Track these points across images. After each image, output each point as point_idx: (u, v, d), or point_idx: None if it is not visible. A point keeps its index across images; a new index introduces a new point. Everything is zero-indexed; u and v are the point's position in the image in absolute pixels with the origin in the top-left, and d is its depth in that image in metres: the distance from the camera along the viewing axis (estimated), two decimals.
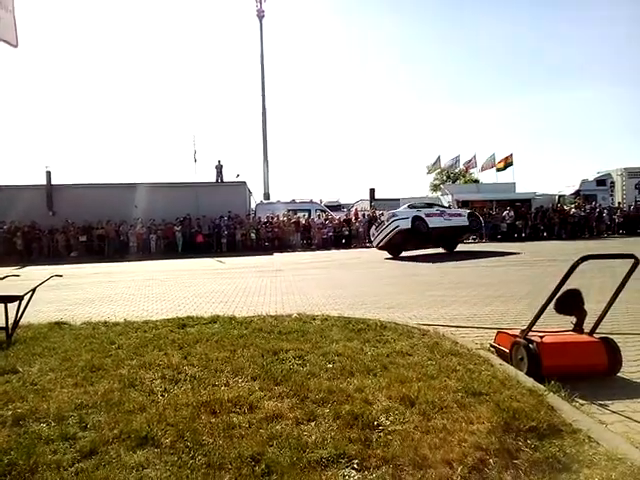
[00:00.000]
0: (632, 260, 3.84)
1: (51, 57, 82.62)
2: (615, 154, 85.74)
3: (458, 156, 35.51)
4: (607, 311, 4.10)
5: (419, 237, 17.25)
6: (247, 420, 3.01)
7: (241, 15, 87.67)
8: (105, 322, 6.31)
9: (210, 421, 3.01)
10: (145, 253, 23.49)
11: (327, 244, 24.64)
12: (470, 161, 34.69)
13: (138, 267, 17.56)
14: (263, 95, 39.18)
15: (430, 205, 19.72)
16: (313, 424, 2.95)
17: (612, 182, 28.80)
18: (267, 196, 36.33)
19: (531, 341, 3.95)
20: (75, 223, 24.30)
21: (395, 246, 17.73)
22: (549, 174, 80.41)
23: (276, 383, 3.63)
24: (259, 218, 26.05)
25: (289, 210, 26.95)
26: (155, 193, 24.85)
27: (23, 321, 5.63)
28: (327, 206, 30.61)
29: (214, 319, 6.10)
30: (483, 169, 34.32)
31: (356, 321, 5.78)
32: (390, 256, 17.84)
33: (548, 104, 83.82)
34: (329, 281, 11.43)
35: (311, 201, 29.22)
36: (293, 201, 29.08)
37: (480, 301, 7.91)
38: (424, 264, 14.96)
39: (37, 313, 7.10)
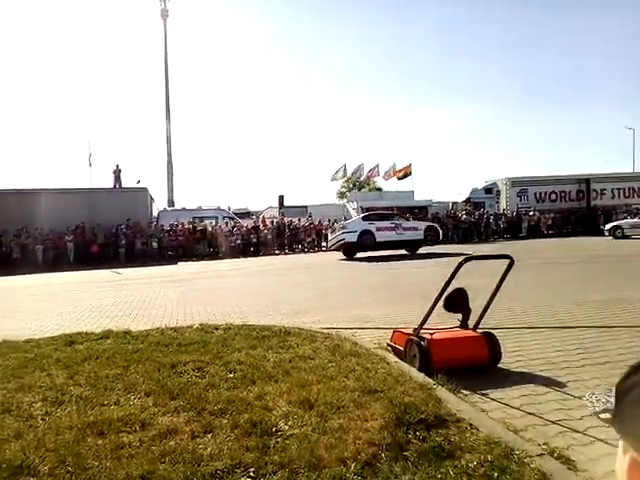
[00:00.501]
0: (508, 260, 4.25)
1: None
2: (501, 165, 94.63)
3: (362, 164, 36.91)
4: (488, 307, 4.49)
5: (365, 249, 18.13)
6: (138, 438, 2.85)
7: (144, 15, 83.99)
8: None
9: (97, 443, 2.81)
10: (31, 265, 21.39)
11: (235, 252, 24.25)
12: (373, 170, 36.19)
13: (21, 281, 15.94)
14: (167, 97, 37.56)
15: (386, 217, 19.85)
16: (210, 436, 2.87)
17: (498, 190, 31.58)
18: (171, 203, 34.85)
19: (422, 338, 4.20)
20: None
21: (345, 251, 18.75)
22: (445, 182, 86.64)
23: (172, 397, 3.48)
24: (162, 226, 24.94)
25: (194, 217, 26.11)
26: (44, 200, 22.76)
27: None
28: (236, 213, 30.13)
29: (106, 334, 5.71)
30: (385, 178, 36.05)
31: (260, 328, 5.74)
32: (344, 257, 18.64)
33: (449, 115, 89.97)
34: (236, 289, 11.26)
35: (218, 208, 28.56)
36: (199, 208, 28.21)
37: (382, 302, 8.26)
38: (345, 267, 15.32)
39: None
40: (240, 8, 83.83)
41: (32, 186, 24.60)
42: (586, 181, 30.19)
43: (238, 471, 2.44)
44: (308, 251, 25.48)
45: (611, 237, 22.31)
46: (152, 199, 28.23)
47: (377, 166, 35.87)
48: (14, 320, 8.04)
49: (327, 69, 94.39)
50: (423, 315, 4.39)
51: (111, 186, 25.78)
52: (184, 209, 28.00)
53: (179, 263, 20.42)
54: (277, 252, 25.35)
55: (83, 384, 3.84)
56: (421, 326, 4.30)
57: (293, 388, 3.52)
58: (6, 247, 22.09)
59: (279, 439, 2.77)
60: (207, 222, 25.97)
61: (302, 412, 3.11)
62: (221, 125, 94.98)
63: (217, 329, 5.80)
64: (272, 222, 26.65)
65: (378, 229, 18.28)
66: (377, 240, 18.05)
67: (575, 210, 29.27)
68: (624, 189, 30.63)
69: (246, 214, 33.56)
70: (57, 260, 22.08)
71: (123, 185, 25.79)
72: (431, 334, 4.25)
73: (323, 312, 7.61)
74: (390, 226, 18.66)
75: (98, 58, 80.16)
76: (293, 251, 25.68)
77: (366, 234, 18.06)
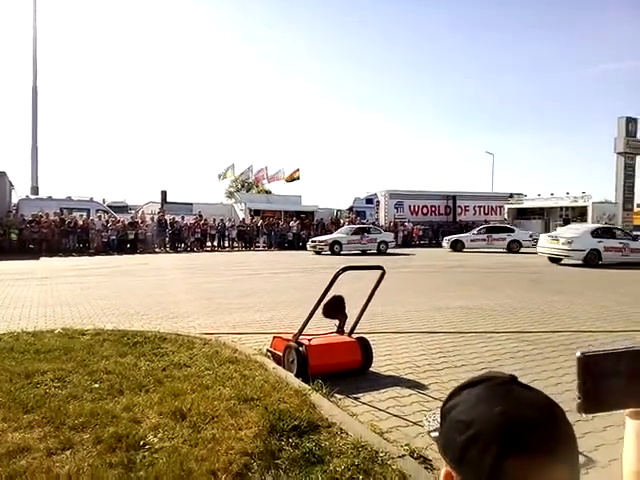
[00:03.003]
0: (381, 270, 4.54)
1: None
2: (382, 177, 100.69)
3: (251, 166, 36.71)
4: (362, 314, 4.74)
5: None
6: None
7: None
8: None
9: None
10: None
11: (109, 249, 22.54)
12: (260, 171, 36.18)
13: None
14: (35, 73, 33.59)
15: (614, 233, 17.09)
16: (68, 453, 2.65)
17: (378, 201, 33.51)
18: (35, 190, 31.23)
19: (301, 344, 4.31)
20: None
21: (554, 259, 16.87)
22: (331, 190, 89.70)
23: (25, 411, 3.14)
24: (22, 216, 22.27)
25: (62, 208, 23.74)
26: None
27: None
28: (112, 207, 28.02)
29: None
30: (271, 181, 36.31)
31: (133, 334, 5.42)
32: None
33: (339, 122, 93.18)
34: (108, 290, 10.45)
35: (91, 199, 26.31)
36: (69, 198, 25.73)
37: (264, 307, 8.27)
38: (234, 268, 14.95)
39: None
40: None
41: None
42: (453, 198, 33.40)
43: None
44: (191, 250, 24.61)
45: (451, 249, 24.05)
46: (12, 185, 25.12)
47: (266, 168, 35.97)
48: None
49: (219, 62, 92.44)
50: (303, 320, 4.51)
51: None
52: (50, 198, 25.30)
53: (42, 258, 18.41)
54: (157, 250, 24.10)
55: None
56: (300, 332, 4.40)
57: (165, 398, 3.38)
58: None
59: (146, 453, 2.64)
60: (77, 214, 23.78)
61: (173, 423, 3.01)
62: (99, 112, 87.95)
63: (83, 334, 5.36)
64: (152, 218, 25.24)
65: (606, 249, 16.19)
66: (601, 261, 16.02)
67: (443, 223, 32.20)
68: (484, 207, 34.48)
69: (124, 208, 31.41)
70: None
71: None
72: (309, 340, 4.37)
73: (203, 317, 7.41)
74: (618, 246, 16.36)
75: None
76: (175, 250, 24.63)
77: (593, 252, 16.02)
